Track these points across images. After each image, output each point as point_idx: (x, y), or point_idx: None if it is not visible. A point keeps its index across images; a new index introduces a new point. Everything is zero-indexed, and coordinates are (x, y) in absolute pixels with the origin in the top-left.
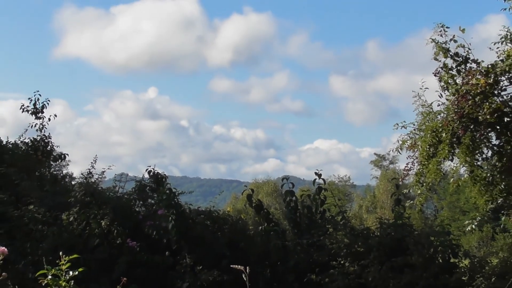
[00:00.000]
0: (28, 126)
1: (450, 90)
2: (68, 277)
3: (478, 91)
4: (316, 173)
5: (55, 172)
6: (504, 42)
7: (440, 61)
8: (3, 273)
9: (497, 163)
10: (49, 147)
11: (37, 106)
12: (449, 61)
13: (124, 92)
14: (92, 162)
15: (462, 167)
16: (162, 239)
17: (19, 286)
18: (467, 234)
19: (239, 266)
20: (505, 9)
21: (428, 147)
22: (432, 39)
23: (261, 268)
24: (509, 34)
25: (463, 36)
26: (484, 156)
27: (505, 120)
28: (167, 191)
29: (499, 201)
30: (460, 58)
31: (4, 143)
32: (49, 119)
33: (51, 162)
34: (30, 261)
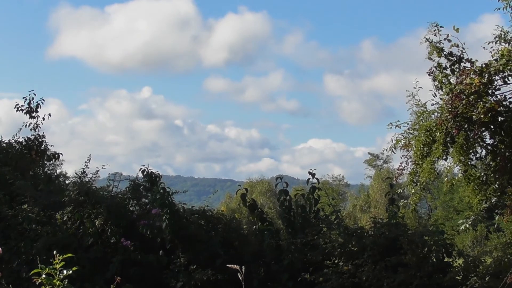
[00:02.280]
0: (23, 126)
1: (444, 90)
2: (62, 276)
3: (472, 90)
4: (310, 173)
5: (49, 172)
6: (498, 42)
7: (434, 60)
8: None
9: (491, 163)
10: (43, 146)
11: (32, 105)
12: (443, 61)
13: (119, 92)
14: (86, 162)
15: (456, 166)
16: (156, 238)
17: (13, 285)
18: (461, 233)
19: (235, 266)
20: (499, 8)
21: (422, 146)
22: (426, 39)
23: (255, 267)
24: (503, 33)
25: (457, 36)
26: (478, 155)
27: (499, 120)
28: (161, 191)
29: (493, 201)
30: (454, 58)
31: None
32: (43, 118)
33: (45, 162)
34: (24, 260)
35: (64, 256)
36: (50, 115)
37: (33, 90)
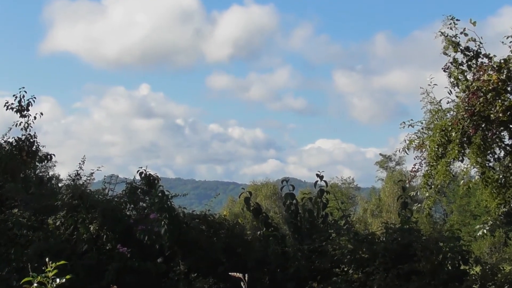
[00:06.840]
0: (13, 125)
1: (460, 87)
2: (54, 285)
3: (490, 87)
4: (318, 175)
5: (41, 174)
6: None
7: (449, 55)
8: None
9: (510, 164)
10: (34, 147)
11: (22, 104)
12: (459, 56)
13: (116, 89)
14: (80, 163)
15: (473, 168)
16: (154, 245)
17: None
18: (478, 239)
19: (238, 274)
20: None
21: (436, 147)
22: (442, 33)
23: (260, 275)
24: None
25: (474, 30)
26: (496, 156)
27: None
28: (160, 194)
29: None
30: (471, 53)
31: None
32: (35, 117)
33: (37, 163)
34: (15, 268)
35: (57, 263)
36: (42, 114)
37: (24, 88)
